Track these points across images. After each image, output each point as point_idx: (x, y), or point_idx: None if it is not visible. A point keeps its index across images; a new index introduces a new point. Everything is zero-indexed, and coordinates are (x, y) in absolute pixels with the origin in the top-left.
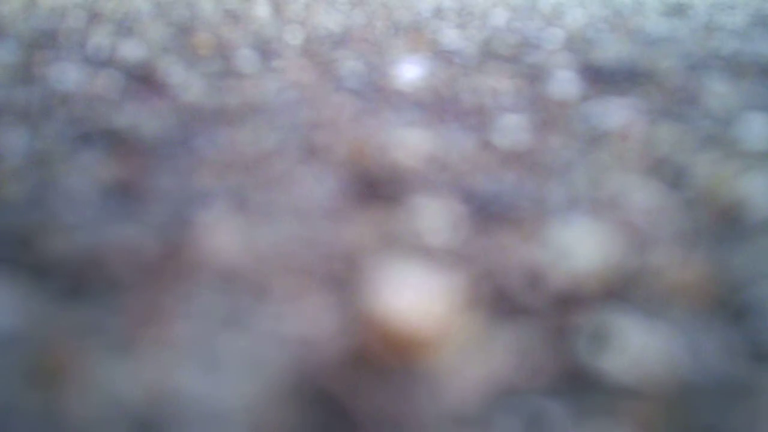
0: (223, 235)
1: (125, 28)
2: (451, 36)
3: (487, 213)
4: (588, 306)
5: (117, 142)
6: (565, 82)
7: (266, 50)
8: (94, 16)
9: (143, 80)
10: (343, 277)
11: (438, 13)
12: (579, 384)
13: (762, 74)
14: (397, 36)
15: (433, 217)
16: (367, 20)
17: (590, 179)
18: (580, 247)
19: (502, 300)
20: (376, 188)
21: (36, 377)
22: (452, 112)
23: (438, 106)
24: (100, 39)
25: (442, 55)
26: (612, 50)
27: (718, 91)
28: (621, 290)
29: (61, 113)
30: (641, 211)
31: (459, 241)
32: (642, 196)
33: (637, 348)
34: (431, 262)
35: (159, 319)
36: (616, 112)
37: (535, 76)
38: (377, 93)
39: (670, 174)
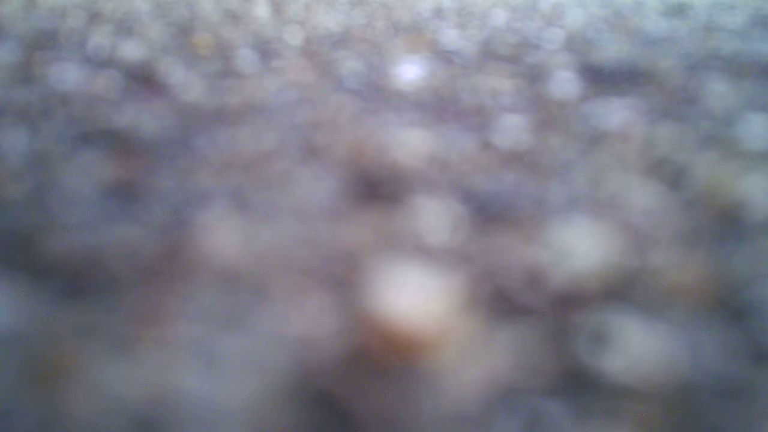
0: (223, 235)
1: (125, 28)
2: (451, 36)
3: (487, 213)
4: (588, 306)
5: (117, 142)
6: (565, 82)
7: (266, 50)
8: (94, 16)
9: (143, 80)
10: (343, 277)
11: (438, 13)
12: (579, 384)
13: (762, 74)
14: (397, 36)
15: (433, 217)
16: (367, 20)
17: (590, 179)
18: (580, 247)
19: (502, 300)
20: (376, 188)
21: (36, 377)
22: (452, 112)
23: (438, 106)
24: (100, 39)
25: (442, 55)
26: (612, 50)
27: (718, 91)
28: (621, 290)
29: (61, 113)
30: (641, 211)
31: (459, 241)
32: (642, 196)
33: (637, 348)
34: (431, 262)
35: (159, 319)
36: (616, 112)
37: (535, 76)
38: (377, 93)
39: (670, 174)
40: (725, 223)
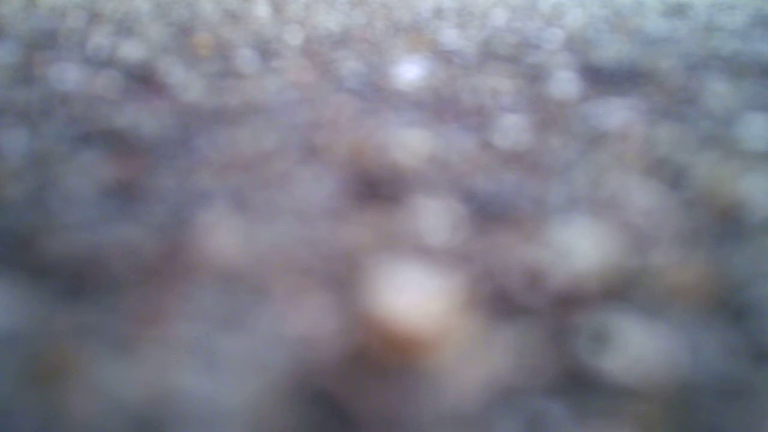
0: (223, 235)
1: (125, 28)
2: (451, 36)
3: (487, 213)
4: (588, 306)
5: (117, 142)
6: (565, 82)
7: (266, 50)
8: (94, 16)
9: (143, 80)
10: (343, 277)
11: (438, 13)
12: (579, 384)
13: (762, 74)
14: (397, 36)
15: (433, 217)
16: (367, 20)
17: (590, 179)
18: (580, 247)
19: (502, 300)
20: (376, 188)
21: (36, 377)
22: (452, 112)
23: (438, 106)
24: (100, 39)
25: (442, 55)
26: (612, 50)
27: (718, 91)
28: (621, 290)
29: (61, 113)
30: (641, 211)
31: (459, 241)
32: (642, 196)
33: (637, 348)
34: (431, 262)
35: (159, 319)
36: (616, 112)
37: (535, 76)
38: (377, 93)
39: (670, 174)
40: (725, 223)
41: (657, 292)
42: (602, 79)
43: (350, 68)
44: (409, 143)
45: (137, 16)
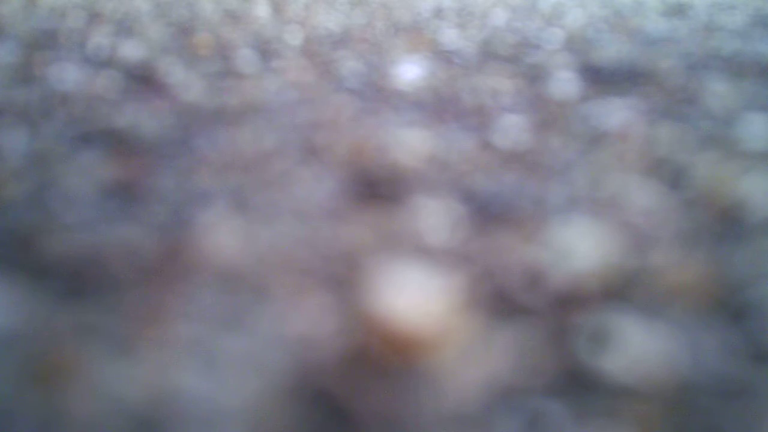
0: (223, 235)
1: (125, 28)
2: (451, 36)
3: (487, 213)
4: (588, 306)
5: (117, 142)
6: (565, 82)
7: (266, 50)
8: (94, 16)
9: (143, 80)
10: (343, 277)
11: (438, 13)
12: (579, 384)
13: (762, 74)
14: (397, 36)
15: (433, 217)
16: (367, 20)
17: (590, 179)
18: (580, 247)
19: (502, 300)
20: (376, 188)
21: (36, 377)
22: (452, 112)
23: (438, 106)
24: (100, 39)
25: (442, 55)
26: (612, 50)
27: (718, 91)
28: (621, 290)
29: (61, 113)
30: (641, 211)
31: (459, 241)
32: (642, 196)
33: (637, 348)
34: (431, 262)
35: (159, 319)
36: (616, 112)
37: (535, 76)
38: (377, 93)
39: (670, 174)
40: (725, 223)
41: (657, 292)
42: (602, 79)
43: (350, 68)
44: (409, 143)
45: (137, 16)
